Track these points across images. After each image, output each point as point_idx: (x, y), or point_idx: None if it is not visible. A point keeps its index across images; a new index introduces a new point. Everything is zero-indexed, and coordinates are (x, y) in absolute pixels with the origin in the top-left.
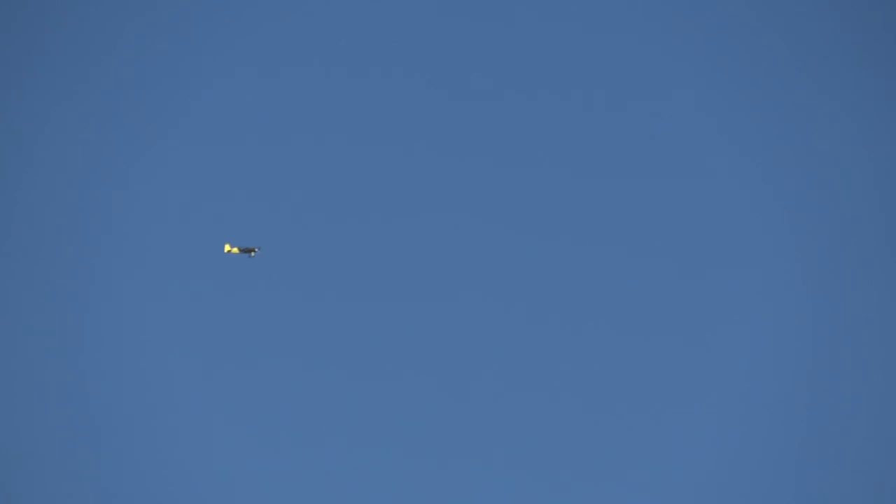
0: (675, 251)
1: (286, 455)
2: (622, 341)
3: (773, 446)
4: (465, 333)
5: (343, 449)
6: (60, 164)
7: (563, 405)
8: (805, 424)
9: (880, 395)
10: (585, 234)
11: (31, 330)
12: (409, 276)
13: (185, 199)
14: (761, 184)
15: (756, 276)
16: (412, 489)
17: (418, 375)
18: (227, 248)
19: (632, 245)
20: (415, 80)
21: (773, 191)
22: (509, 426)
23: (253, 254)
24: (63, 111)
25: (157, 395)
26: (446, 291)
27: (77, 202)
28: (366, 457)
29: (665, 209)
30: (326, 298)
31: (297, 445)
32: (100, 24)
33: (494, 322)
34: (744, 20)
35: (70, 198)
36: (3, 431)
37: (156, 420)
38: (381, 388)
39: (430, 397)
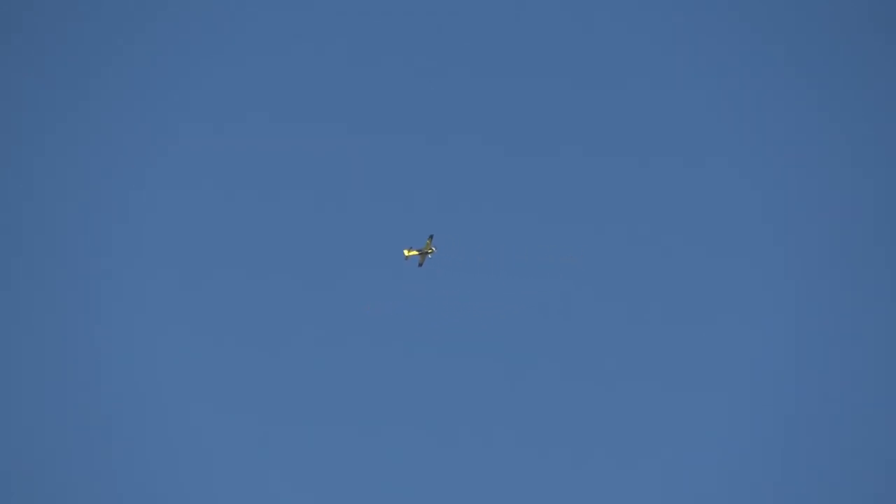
0: (678, 247)
1: (287, 456)
2: (626, 340)
3: (779, 442)
4: (464, 334)
5: (345, 450)
6: (60, 164)
7: (566, 402)
8: (809, 421)
9: (882, 391)
10: (591, 230)
11: (33, 330)
12: (410, 277)
13: (185, 199)
14: (767, 180)
15: (761, 271)
16: (414, 483)
17: (420, 369)
18: (406, 252)
19: (634, 239)
20: (418, 78)
21: (782, 187)
22: (512, 421)
23: (430, 253)
24: (64, 112)
25: (158, 395)
26: (447, 291)
27: (77, 202)
28: (367, 456)
29: (675, 205)
30: (326, 298)
31: (297, 446)
32: (99, 26)
33: (501, 319)
34: (744, 18)
35: (70, 198)
36: (8, 431)
37: (156, 419)
38: (382, 387)
39: (431, 391)
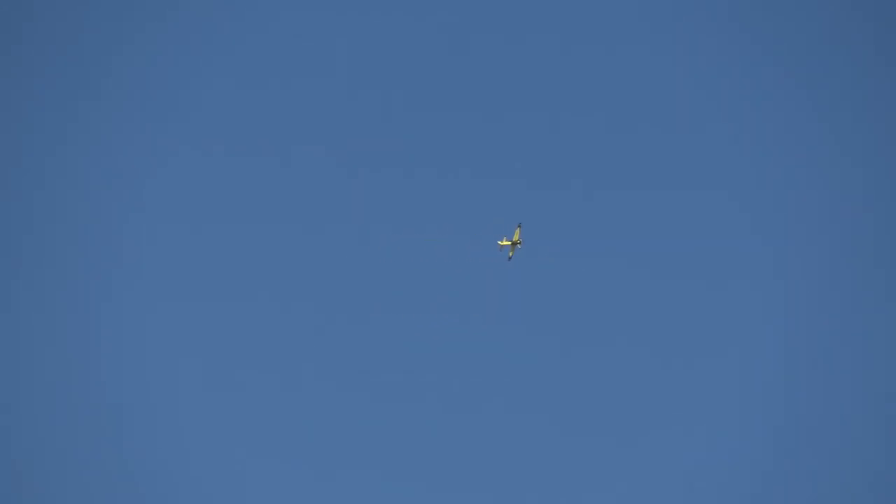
0: (677, 264)
1: (285, 458)
2: (624, 355)
3: (779, 447)
4: (459, 348)
5: (344, 452)
6: (60, 165)
7: (561, 420)
8: (810, 425)
9: (882, 407)
10: (586, 244)
11: (35, 331)
12: (411, 290)
13: (186, 200)
14: (766, 181)
15: (758, 289)
16: (405, 493)
17: (417, 377)
18: (502, 242)
19: (634, 257)
20: (419, 83)
21: (781, 189)
22: (510, 440)
23: (519, 244)
24: (65, 113)
25: (159, 397)
26: (443, 305)
27: (78, 204)
28: (363, 461)
29: (668, 220)
30: (326, 301)
31: (297, 448)
32: (100, 27)
33: (494, 334)
34: (747, 23)
35: (72, 200)
36: (9, 432)
37: (157, 421)
38: (379, 393)
39: (423, 406)
